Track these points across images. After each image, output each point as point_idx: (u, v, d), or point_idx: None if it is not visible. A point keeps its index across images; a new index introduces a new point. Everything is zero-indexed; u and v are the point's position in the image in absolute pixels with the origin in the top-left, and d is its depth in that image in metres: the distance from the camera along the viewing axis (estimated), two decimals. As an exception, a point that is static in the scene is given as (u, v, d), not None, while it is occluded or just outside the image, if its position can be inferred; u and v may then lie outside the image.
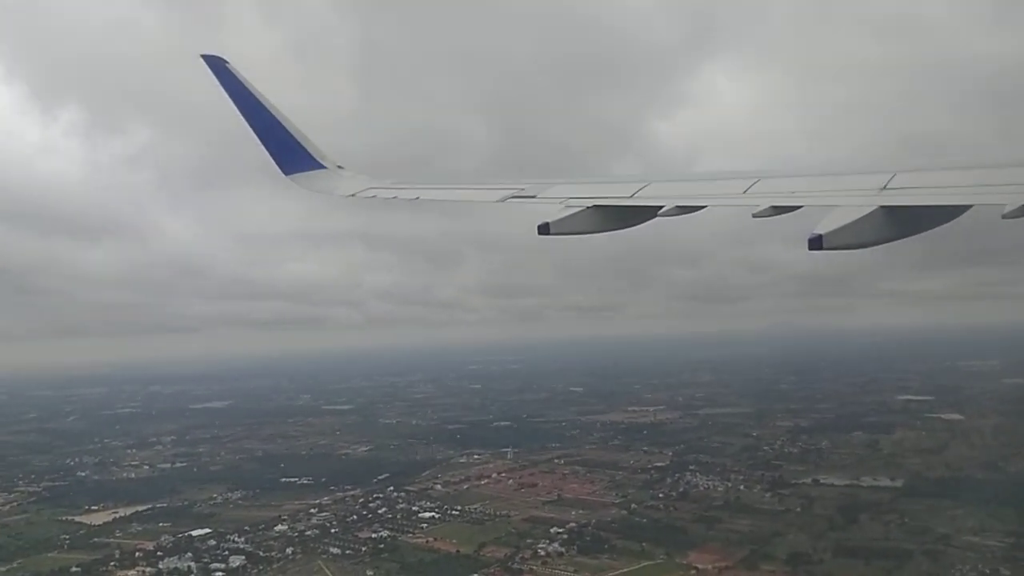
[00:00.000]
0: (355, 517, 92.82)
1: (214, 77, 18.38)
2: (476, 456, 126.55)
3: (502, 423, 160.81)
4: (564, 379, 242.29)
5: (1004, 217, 8.54)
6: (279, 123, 18.94)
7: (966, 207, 9.80)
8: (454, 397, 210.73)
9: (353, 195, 17.89)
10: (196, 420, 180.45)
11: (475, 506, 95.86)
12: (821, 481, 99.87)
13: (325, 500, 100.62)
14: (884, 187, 10.39)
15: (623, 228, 12.51)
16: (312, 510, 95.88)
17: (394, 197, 17.14)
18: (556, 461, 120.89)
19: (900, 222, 9.75)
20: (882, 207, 9.61)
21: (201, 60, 18.52)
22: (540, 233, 11.99)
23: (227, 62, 18.55)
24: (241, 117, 18.54)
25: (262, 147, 18.83)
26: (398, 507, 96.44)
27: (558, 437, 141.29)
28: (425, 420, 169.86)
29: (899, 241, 9.90)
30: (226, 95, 18.39)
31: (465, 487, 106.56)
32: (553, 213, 12.34)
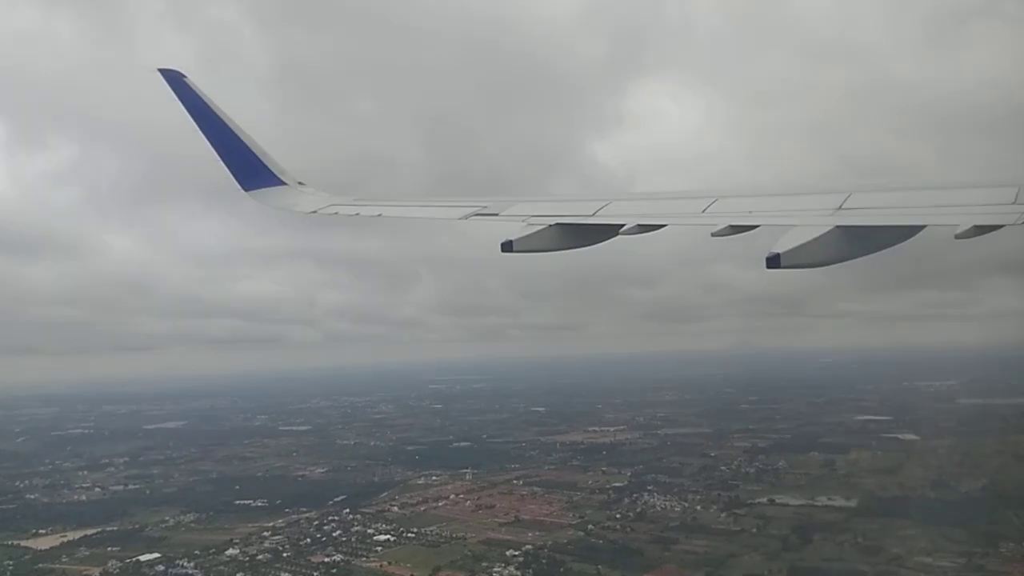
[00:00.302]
0: (309, 540, 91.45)
1: (171, 91, 18.05)
2: (435, 477, 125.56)
3: (462, 444, 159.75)
4: (526, 399, 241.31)
5: (957, 237, 8.75)
6: (239, 139, 18.60)
7: (920, 227, 9.98)
8: (414, 417, 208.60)
9: (315, 212, 17.65)
10: (150, 441, 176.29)
11: (431, 528, 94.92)
12: (777, 501, 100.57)
13: (279, 523, 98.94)
14: (840, 207, 10.58)
15: (585, 246, 12.59)
16: (265, 533, 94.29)
17: (356, 214, 16.93)
18: (515, 482, 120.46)
19: (856, 241, 9.92)
20: (838, 226, 9.77)
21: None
22: (504, 250, 12.03)
23: (185, 76, 18.26)
24: (199, 132, 18.17)
25: (214, 163, 18.39)
26: (353, 530, 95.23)
27: (518, 458, 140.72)
28: (384, 441, 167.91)
29: (855, 261, 10.06)
30: (184, 110, 18.08)
31: (422, 509, 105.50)
32: (515, 231, 12.38)
